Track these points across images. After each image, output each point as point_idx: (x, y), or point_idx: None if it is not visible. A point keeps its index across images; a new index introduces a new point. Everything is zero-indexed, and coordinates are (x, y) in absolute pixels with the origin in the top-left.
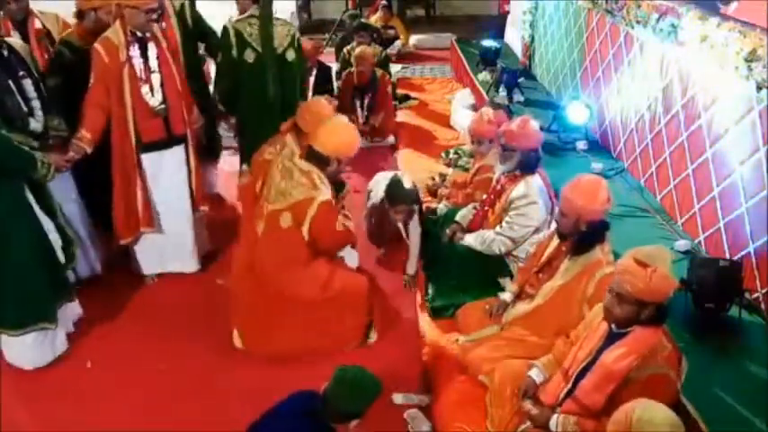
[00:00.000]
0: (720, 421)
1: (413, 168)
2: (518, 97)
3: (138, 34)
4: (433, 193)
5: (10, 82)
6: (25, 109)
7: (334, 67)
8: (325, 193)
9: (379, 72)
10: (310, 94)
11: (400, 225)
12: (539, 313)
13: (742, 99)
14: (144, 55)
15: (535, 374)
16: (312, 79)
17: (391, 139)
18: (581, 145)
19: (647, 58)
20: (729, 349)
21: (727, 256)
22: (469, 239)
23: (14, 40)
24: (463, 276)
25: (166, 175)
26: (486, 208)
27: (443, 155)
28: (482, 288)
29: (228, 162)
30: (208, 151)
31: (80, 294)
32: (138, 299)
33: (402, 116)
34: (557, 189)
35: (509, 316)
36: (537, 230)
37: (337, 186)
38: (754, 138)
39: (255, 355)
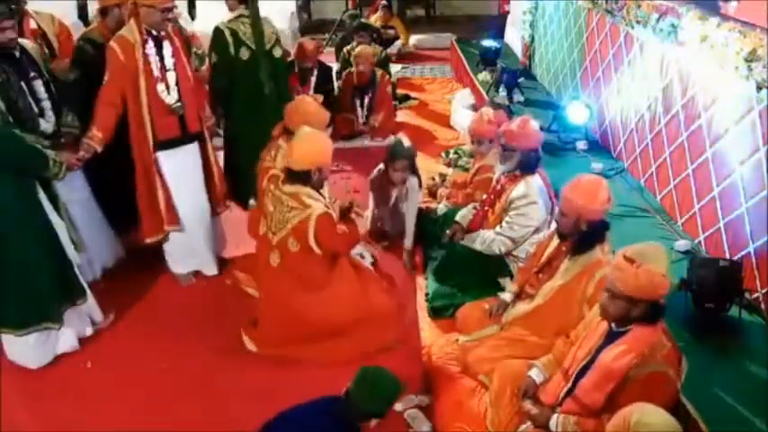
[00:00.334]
0: (720, 421)
1: None
2: (518, 97)
3: (153, 32)
4: (433, 193)
5: (22, 83)
6: (36, 110)
7: (334, 66)
8: (317, 206)
9: (379, 72)
10: (311, 93)
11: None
12: (539, 313)
13: (742, 99)
14: (159, 53)
15: (535, 374)
16: (313, 79)
17: (391, 138)
18: (581, 145)
19: (647, 58)
20: (729, 349)
21: (727, 256)
22: (469, 239)
23: (25, 41)
24: (463, 276)
25: (183, 173)
26: (486, 208)
27: (443, 155)
28: (482, 288)
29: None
30: None
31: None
32: (144, 298)
33: (402, 116)
34: (557, 189)
35: (509, 316)
36: (537, 230)
37: (342, 212)
38: (754, 138)
39: (260, 355)
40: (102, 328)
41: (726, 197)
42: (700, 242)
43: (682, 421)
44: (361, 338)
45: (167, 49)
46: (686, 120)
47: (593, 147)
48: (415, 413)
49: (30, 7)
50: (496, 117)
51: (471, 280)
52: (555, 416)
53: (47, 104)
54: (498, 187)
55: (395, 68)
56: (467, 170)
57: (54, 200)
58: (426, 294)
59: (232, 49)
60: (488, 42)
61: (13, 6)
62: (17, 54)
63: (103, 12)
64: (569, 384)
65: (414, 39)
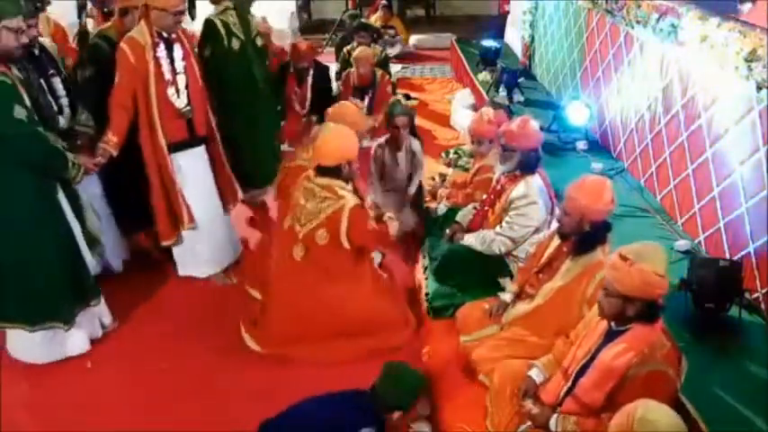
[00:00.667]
0: (720, 421)
1: None
2: (518, 97)
3: (164, 35)
4: (433, 193)
5: (42, 80)
6: (55, 107)
7: (334, 66)
8: (351, 198)
9: (379, 72)
10: (309, 94)
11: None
12: (539, 313)
13: (742, 99)
14: (170, 56)
15: (535, 374)
16: (309, 79)
17: None
18: (581, 145)
19: (647, 58)
20: (729, 349)
21: (727, 256)
22: (469, 239)
23: (44, 39)
24: (463, 276)
25: (192, 175)
26: (486, 208)
27: (443, 155)
28: (482, 288)
29: None
30: None
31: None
32: (144, 299)
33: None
34: (557, 189)
35: (509, 316)
36: (537, 230)
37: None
38: (754, 138)
39: (261, 355)
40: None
41: (726, 197)
42: (700, 242)
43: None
44: (366, 339)
45: (178, 51)
46: (686, 120)
47: (593, 147)
48: None
49: None
50: (496, 117)
51: (471, 280)
52: (555, 416)
53: (64, 101)
54: (498, 187)
55: (395, 68)
56: (467, 170)
57: (74, 198)
58: (426, 294)
59: (225, 41)
60: (488, 42)
61: (38, 5)
62: (36, 52)
63: (123, 11)
64: (569, 383)
65: (414, 39)
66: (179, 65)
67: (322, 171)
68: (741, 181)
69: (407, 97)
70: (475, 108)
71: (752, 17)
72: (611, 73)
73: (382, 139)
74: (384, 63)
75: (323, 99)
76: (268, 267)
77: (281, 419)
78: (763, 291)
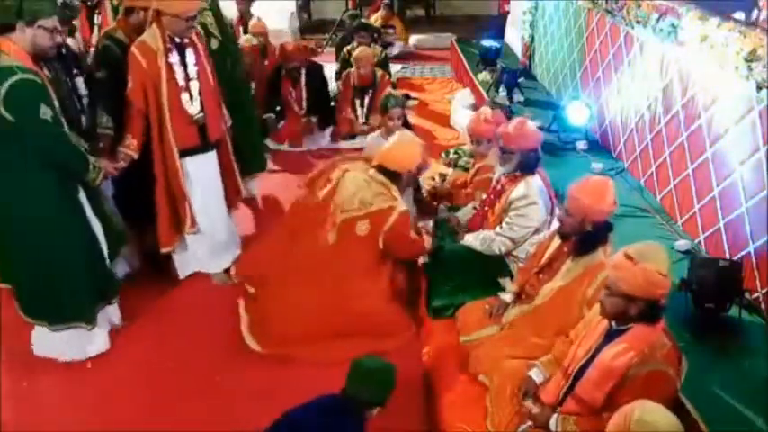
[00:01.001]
0: (720, 421)
1: None
2: (518, 97)
3: (177, 40)
4: (432, 193)
5: (67, 80)
6: (79, 107)
7: (334, 66)
8: (402, 203)
9: (379, 72)
10: (305, 95)
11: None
12: (539, 314)
13: (742, 99)
14: (183, 62)
15: (535, 374)
16: (303, 80)
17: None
18: (581, 145)
19: (647, 58)
20: (729, 349)
21: (727, 256)
22: (469, 239)
23: (69, 39)
24: (463, 276)
25: (200, 179)
26: (486, 208)
27: (443, 155)
28: (482, 288)
29: None
30: None
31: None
32: (145, 299)
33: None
34: (557, 189)
35: (509, 316)
36: (537, 231)
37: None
38: (754, 138)
39: (263, 355)
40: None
41: (726, 197)
42: (700, 242)
43: (681, 421)
44: (368, 341)
45: (191, 56)
46: (686, 120)
47: (594, 147)
48: None
49: None
50: (494, 116)
51: (471, 280)
52: (555, 415)
53: (86, 101)
54: (498, 188)
55: (395, 68)
56: (467, 170)
57: (96, 198)
58: (426, 294)
59: (204, 41)
60: (488, 42)
61: (69, 12)
62: (62, 51)
63: (128, 11)
64: (569, 383)
65: (414, 39)
66: (192, 70)
67: (383, 172)
68: (741, 181)
69: (407, 97)
70: (475, 108)
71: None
72: (611, 73)
73: (376, 133)
74: (384, 63)
75: (320, 99)
76: (268, 261)
77: None
78: (763, 291)
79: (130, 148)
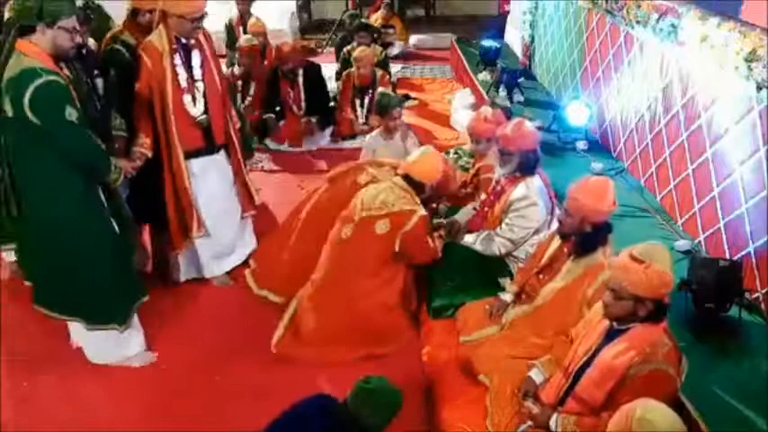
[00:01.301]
0: (720, 421)
1: None
2: (518, 97)
3: (183, 41)
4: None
5: (88, 81)
6: (98, 108)
7: (333, 66)
8: (423, 210)
9: (379, 72)
10: (303, 96)
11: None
12: (539, 314)
13: (742, 99)
14: (188, 63)
15: (535, 374)
16: (301, 80)
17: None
18: (581, 145)
19: (647, 58)
20: (729, 349)
21: (727, 256)
22: (469, 239)
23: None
24: (463, 276)
25: (208, 181)
26: (486, 208)
27: (443, 155)
28: (482, 288)
29: None
30: None
31: None
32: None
33: (402, 116)
34: (557, 189)
35: (509, 316)
36: (537, 231)
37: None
38: (754, 138)
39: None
40: None
41: (726, 197)
42: (700, 242)
43: (682, 420)
44: (371, 342)
45: (196, 58)
46: (686, 120)
47: (594, 147)
48: None
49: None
50: (494, 116)
51: (471, 280)
52: (555, 415)
53: (103, 101)
54: (498, 188)
55: (395, 68)
56: (467, 170)
57: (112, 198)
58: (426, 294)
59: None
60: (488, 42)
61: (88, 13)
62: (83, 51)
63: (134, 12)
64: (569, 382)
65: (414, 39)
66: (197, 72)
67: (407, 180)
68: (741, 181)
69: (407, 97)
70: (475, 108)
71: (746, 16)
72: (611, 73)
73: (375, 133)
74: (384, 63)
75: (318, 99)
76: (285, 263)
77: None
78: (763, 291)
79: (144, 146)
